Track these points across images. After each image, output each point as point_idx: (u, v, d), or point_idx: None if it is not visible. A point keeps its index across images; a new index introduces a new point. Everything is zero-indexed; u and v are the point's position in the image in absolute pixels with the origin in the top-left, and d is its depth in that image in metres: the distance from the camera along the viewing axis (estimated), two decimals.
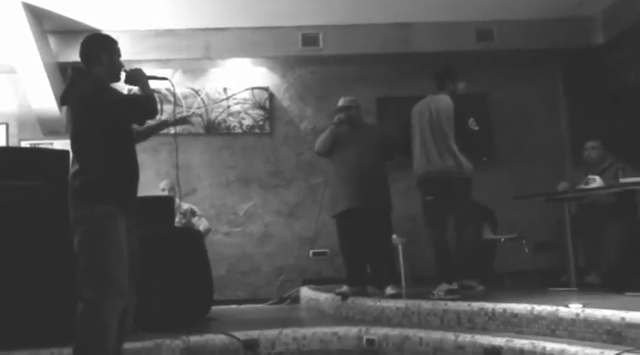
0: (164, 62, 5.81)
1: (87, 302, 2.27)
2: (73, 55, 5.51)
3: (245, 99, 5.90)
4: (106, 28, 5.58)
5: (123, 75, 2.60)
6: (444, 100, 3.68)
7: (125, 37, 5.64)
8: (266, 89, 5.97)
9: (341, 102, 4.22)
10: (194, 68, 5.94)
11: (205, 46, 5.70)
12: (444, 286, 3.53)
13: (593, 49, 5.81)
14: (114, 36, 5.60)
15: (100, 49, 2.54)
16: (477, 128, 3.59)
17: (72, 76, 2.57)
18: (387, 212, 4.06)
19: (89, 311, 2.27)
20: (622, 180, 3.71)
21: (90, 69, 2.52)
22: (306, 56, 5.80)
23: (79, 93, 2.43)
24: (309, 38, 5.73)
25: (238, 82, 5.94)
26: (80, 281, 2.30)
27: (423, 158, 3.70)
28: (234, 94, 5.87)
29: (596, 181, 3.96)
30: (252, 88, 5.92)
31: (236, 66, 5.94)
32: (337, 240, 4.17)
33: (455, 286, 3.55)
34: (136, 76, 2.55)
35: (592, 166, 4.44)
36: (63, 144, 5.35)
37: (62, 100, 2.56)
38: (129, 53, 5.67)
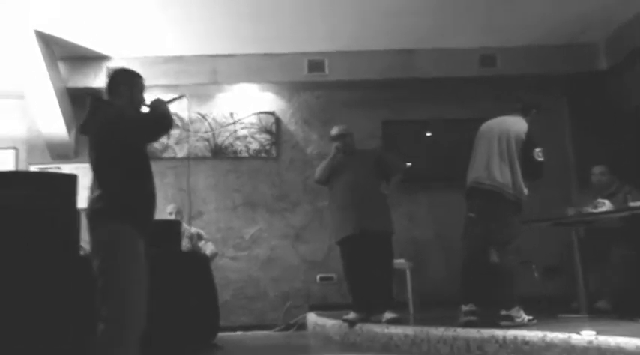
0: (172, 88, 5.87)
1: (108, 322, 2.25)
2: (83, 81, 5.70)
3: (252, 124, 5.95)
4: (115, 55, 5.69)
5: (145, 108, 2.62)
6: (520, 122, 3.64)
7: (134, 63, 5.72)
8: (272, 114, 6.02)
9: (335, 130, 4.29)
10: (201, 93, 6.01)
11: (212, 71, 5.78)
12: (504, 311, 3.39)
13: (596, 74, 5.86)
14: (123, 63, 5.71)
15: (120, 82, 2.61)
16: (541, 159, 3.54)
17: (91, 104, 2.60)
18: (388, 234, 4.04)
19: (111, 331, 2.25)
20: (631, 204, 3.69)
21: (111, 101, 2.59)
22: (312, 81, 5.87)
23: (99, 121, 2.47)
24: (315, 64, 5.80)
25: (245, 107, 6.00)
26: (101, 302, 2.28)
27: (481, 169, 3.60)
28: (240, 119, 5.92)
29: (605, 205, 3.94)
30: (259, 113, 5.97)
31: (242, 91, 6.01)
32: (343, 266, 4.14)
33: (473, 307, 3.46)
34: (158, 107, 2.58)
35: (600, 190, 4.43)
36: (71, 167, 5.40)
37: (83, 129, 2.60)
38: None
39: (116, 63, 5.71)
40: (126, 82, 2.61)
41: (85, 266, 3.75)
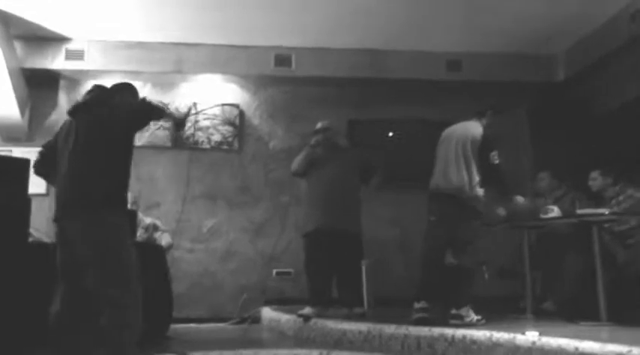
0: (134, 74, 5.74)
1: (118, 308, 2.33)
2: (40, 62, 5.50)
3: (215, 115, 5.88)
4: (76, 37, 5.51)
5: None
6: (475, 127, 3.74)
7: (96, 47, 5.58)
8: (236, 106, 5.96)
9: (318, 125, 4.33)
10: (164, 82, 5.90)
11: (177, 60, 5.68)
12: (454, 310, 3.50)
13: (555, 85, 6.07)
14: (84, 45, 5.54)
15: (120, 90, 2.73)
16: (496, 162, 3.63)
17: (95, 91, 2.65)
18: (359, 234, 4.10)
19: (120, 316, 2.34)
20: (579, 211, 3.84)
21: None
22: (279, 76, 5.84)
23: (104, 108, 2.52)
24: (282, 59, 5.78)
25: (209, 98, 5.91)
26: (103, 286, 2.35)
27: (440, 174, 3.72)
28: (204, 109, 5.83)
29: (554, 211, 4.09)
30: (223, 104, 5.90)
31: (207, 81, 5.93)
32: (303, 259, 4.16)
33: (425, 305, 3.54)
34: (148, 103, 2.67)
35: (545, 195, 4.63)
36: (23, 151, 5.19)
37: (76, 110, 2.60)
38: (99, 63, 5.61)
39: (76, 45, 5.55)
40: (126, 91, 2.72)
41: (36, 254, 3.65)
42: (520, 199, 3.98)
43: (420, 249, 3.85)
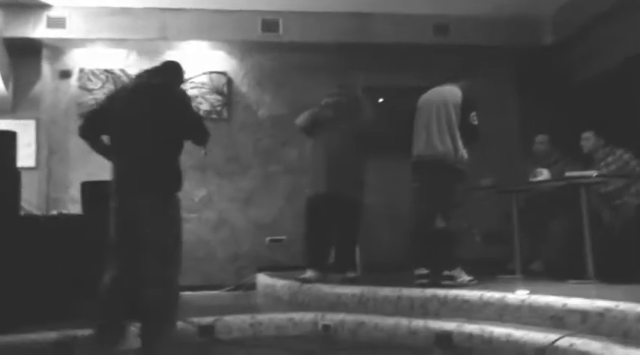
0: (118, 42, 5.62)
1: (167, 280, 2.52)
2: (21, 30, 5.34)
3: (202, 84, 5.79)
4: (57, 3, 5.34)
5: None
6: (453, 91, 3.74)
7: (77, 14, 5.43)
8: (224, 74, 5.88)
9: (331, 90, 4.31)
10: (150, 49, 5.76)
11: (162, 26, 5.55)
12: (447, 271, 3.58)
13: (543, 48, 6.06)
14: (65, 12, 5.39)
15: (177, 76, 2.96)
16: (476, 123, 3.66)
17: (168, 73, 2.85)
18: (361, 200, 4.13)
19: (170, 287, 2.53)
20: (567, 174, 3.90)
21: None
22: (266, 42, 5.75)
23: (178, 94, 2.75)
24: (269, 24, 5.68)
25: (195, 66, 5.82)
26: (158, 262, 2.50)
27: (422, 141, 3.73)
28: (191, 78, 5.73)
29: (544, 174, 4.15)
30: (210, 72, 5.82)
31: (193, 49, 5.82)
32: (304, 223, 4.16)
33: (424, 271, 3.62)
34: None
35: (539, 159, 4.65)
36: (8, 123, 5.11)
37: (138, 90, 2.75)
38: (81, 31, 5.47)
39: (57, 12, 5.39)
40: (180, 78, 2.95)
41: (28, 226, 3.64)
42: (545, 172, 4.03)
43: (407, 216, 3.89)
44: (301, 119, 4.26)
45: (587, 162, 4.41)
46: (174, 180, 2.63)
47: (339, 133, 4.08)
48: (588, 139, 4.39)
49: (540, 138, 4.77)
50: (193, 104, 5.61)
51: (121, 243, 2.62)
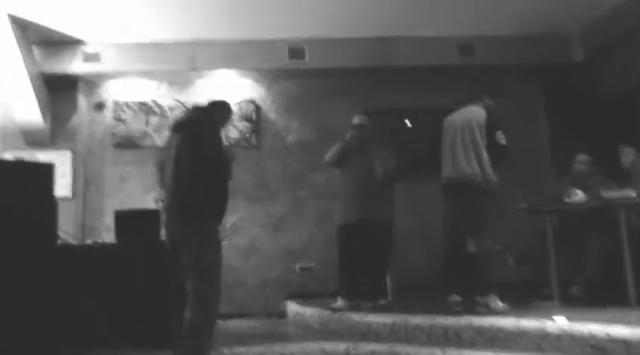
0: (150, 73, 5.79)
1: (206, 304, 2.70)
2: (58, 66, 5.57)
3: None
4: (91, 40, 5.56)
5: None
6: (477, 112, 3.74)
7: (111, 48, 5.63)
8: (252, 101, 5.98)
9: (355, 120, 4.37)
10: (180, 80, 5.93)
11: (191, 57, 5.70)
12: (456, 297, 3.51)
13: (572, 65, 5.96)
14: (99, 48, 5.58)
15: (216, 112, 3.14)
16: (504, 142, 3.62)
17: (206, 110, 3.07)
18: (390, 226, 4.13)
19: (209, 311, 2.72)
20: (604, 193, 3.79)
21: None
22: (292, 69, 5.83)
23: (203, 133, 2.87)
24: (296, 51, 5.77)
25: (224, 94, 5.93)
26: (200, 285, 2.69)
27: (449, 164, 3.73)
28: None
29: (579, 195, 4.04)
30: (239, 101, 5.92)
31: (222, 78, 5.95)
32: (337, 251, 4.18)
33: (458, 298, 3.55)
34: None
35: (578, 180, 4.48)
36: (47, 155, 5.30)
37: (179, 127, 2.95)
38: (115, 65, 5.67)
39: (92, 48, 5.60)
40: (222, 115, 3.17)
41: (64, 256, 3.74)
42: (580, 193, 3.94)
43: (439, 239, 3.84)
44: (330, 155, 4.35)
45: (623, 180, 4.26)
46: (206, 210, 2.76)
47: (366, 161, 4.13)
48: (629, 155, 4.26)
49: (581, 157, 4.58)
50: (223, 132, 5.80)
51: (170, 268, 2.84)
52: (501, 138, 3.62)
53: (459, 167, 3.64)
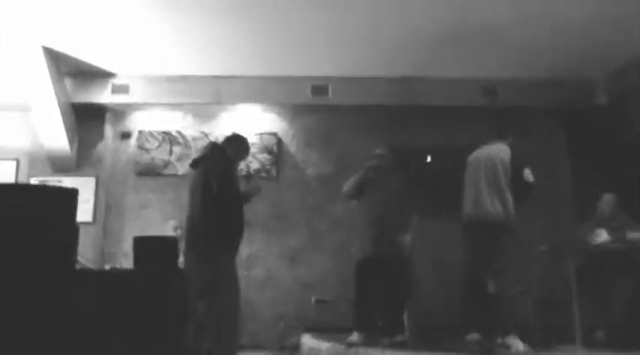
0: (175, 105, 5.94)
1: (219, 330, 2.81)
2: (87, 96, 5.76)
3: (253, 144, 5.98)
4: (120, 72, 5.76)
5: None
6: (502, 149, 3.72)
7: (138, 81, 5.82)
8: (274, 135, 6.06)
9: (377, 150, 4.39)
10: (204, 112, 6.07)
11: (216, 91, 5.85)
12: (500, 339, 3.41)
13: (596, 109, 5.93)
14: (128, 80, 5.77)
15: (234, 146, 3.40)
16: (532, 180, 3.58)
17: (219, 146, 3.29)
18: (408, 262, 4.08)
19: (223, 338, 2.83)
20: (629, 236, 3.70)
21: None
22: (315, 105, 5.93)
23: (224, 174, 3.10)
24: (319, 88, 5.87)
25: (247, 127, 6.04)
26: (212, 313, 2.80)
27: (471, 201, 3.69)
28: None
29: (602, 236, 3.95)
30: (261, 133, 6.02)
31: (245, 111, 6.07)
32: (355, 286, 4.12)
33: (477, 337, 3.46)
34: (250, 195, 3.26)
35: (604, 220, 4.40)
36: (72, 181, 5.43)
37: (196, 164, 3.21)
38: (142, 96, 5.84)
39: (121, 80, 5.80)
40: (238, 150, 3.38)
41: (83, 281, 3.77)
42: (604, 234, 3.87)
43: (459, 276, 3.77)
44: (347, 187, 4.31)
45: None
46: (218, 239, 2.92)
47: (385, 193, 4.10)
48: None
49: (607, 197, 4.48)
50: (244, 163, 5.87)
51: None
52: (529, 175, 3.57)
53: (481, 204, 3.60)
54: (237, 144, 3.34)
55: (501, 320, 3.47)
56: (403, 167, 5.84)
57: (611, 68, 5.66)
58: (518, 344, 3.38)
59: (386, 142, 5.92)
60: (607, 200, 4.48)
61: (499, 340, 3.40)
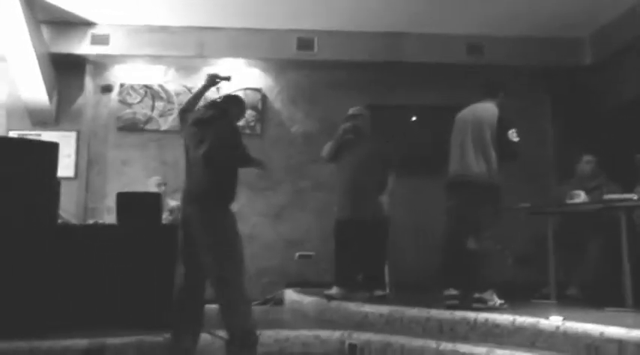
0: (158, 58, 5.80)
1: (227, 282, 2.85)
2: (66, 46, 5.58)
3: None
4: (101, 21, 5.57)
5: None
6: (489, 108, 3.69)
7: (119, 31, 5.63)
8: (259, 90, 5.98)
9: (350, 111, 4.35)
10: (187, 66, 5.93)
11: (199, 44, 5.70)
12: (477, 294, 3.50)
13: (580, 69, 5.94)
14: (108, 30, 5.59)
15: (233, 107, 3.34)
16: (516, 139, 3.60)
17: (223, 104, 3.26)
18: (387, 221, 4.13)
19: (231, 289, 2.86)
20: (605, 197, 3.78)
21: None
22: (300, 60, 5.83)
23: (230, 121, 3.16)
24: (304, 42, 5.76)
25: (231, 82, 5.91)
26: (219, 268, 2.85)
27: (456, 160, 3.70)
28: (226, 94, 5.84)
29: (581, 197, 4.03)
30: (245, 89, 5.92)
31: (229, 65, 5.94)
32: (334, 243, 4.20)
33: (454, 292, 3.55)
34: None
35: (583, 180, 4.47)
36: (51, 135, 5.32)
37: (200, 122, 3.10)
38: (123, 48, 5.67)
39: (101, 30, 5.61)
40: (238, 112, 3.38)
41: (64, 235, 3.75)
42: (582, 195, 3.93)
43: (439, 234, 3.84)
44: (326, 151, 4.33)
45: (627, 186, 4.24)
46: (220, 194, 2.97)
47: (360, 156, 4.12)
48: None
49: (587, 157, 4.55)
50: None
51: (184, 248, 2.96)
52: (514, 136, 3.59)
53: (466, 164, 3.62)
54: (237, 105, 3.36)
55: (479, 276, 3.56)
56: (386, 126, 5.85)
57: (596, 27, 5.63)
58: (495, 299, 3.48)
59: (370, 101, 5.93)
60: (587, 160, 4.55)
61: (476, 295, 3.50)
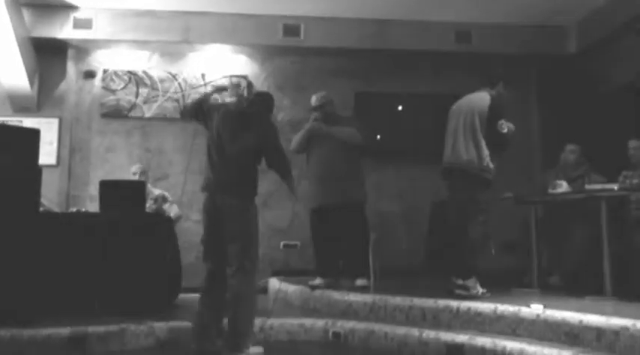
0: (142, 43, 5.71)
1: (247, 271, 2.97)
2: (48, 31, 5.47)
3: (223, 87, 5.83)
4: (83, 5, 5.45)
5: None
6: (482, 98, 3.70)
7: (103, 15, 5.53)
8: (244, 77, 5.89)
9: (313, 100, 4.27)
10: (172, 51, 5.85)
11: (185, 29, 5.62)
12: (461, 281, 3.53)
13: (566, 57, 5.97)
14: (91, 14, 5.48)
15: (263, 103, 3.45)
16: (504, 130, 3.61)
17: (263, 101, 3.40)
18: (361, 206, 4.11)
19: (251, 279, 3.02)
20: (587, 187, 3.82)
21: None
22: (287, 46, 5.78)
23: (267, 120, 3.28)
24: (291, 28, 5.71)
25: (217, 69, 5.87)
26: (242, 255, 2.97)
27: (449, 148, 3.74)
28: (212, 81, 5.81)
29: (563, 186, 4.07)
30: (231, 76, 5.86)
31: (215, 52, 5.88)
32: (311, 235, 4.20)
33: (461, 282, 3.56)
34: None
35: (566, 169, 4.50)
36: (33, 122, 5.24)
37: (248, 120, 3.20)
38: (107, 32, 5.57)
39: (84, 13, 5.50)
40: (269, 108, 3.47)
41: (45, 223, 3.71)
42: (564, 185, 3.95)
43: (422, 221, 3.87)
44: (295, 142, 4.29)
45: (615, 172, 4.28)
46: (250, 187, 3.14)
47: (330, 142, 4.09)
48: (637, 148, 4.25)
49: (571, 147, 4.56)
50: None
51: (208, 237, 3.08)
52: (502, 127, 3.61)
53: (457, 152, 3.65)
54: (271, 102, 3.48)
55: (465, 264, 3.60)
56: (372, 113, 5.84)
57: (583, 14, 5.65)
58: (477, 287, 3.52)
59: (358, 88, 5.91)
60: (570, 149, 4.58)
61: (459, 282, 3.53)
